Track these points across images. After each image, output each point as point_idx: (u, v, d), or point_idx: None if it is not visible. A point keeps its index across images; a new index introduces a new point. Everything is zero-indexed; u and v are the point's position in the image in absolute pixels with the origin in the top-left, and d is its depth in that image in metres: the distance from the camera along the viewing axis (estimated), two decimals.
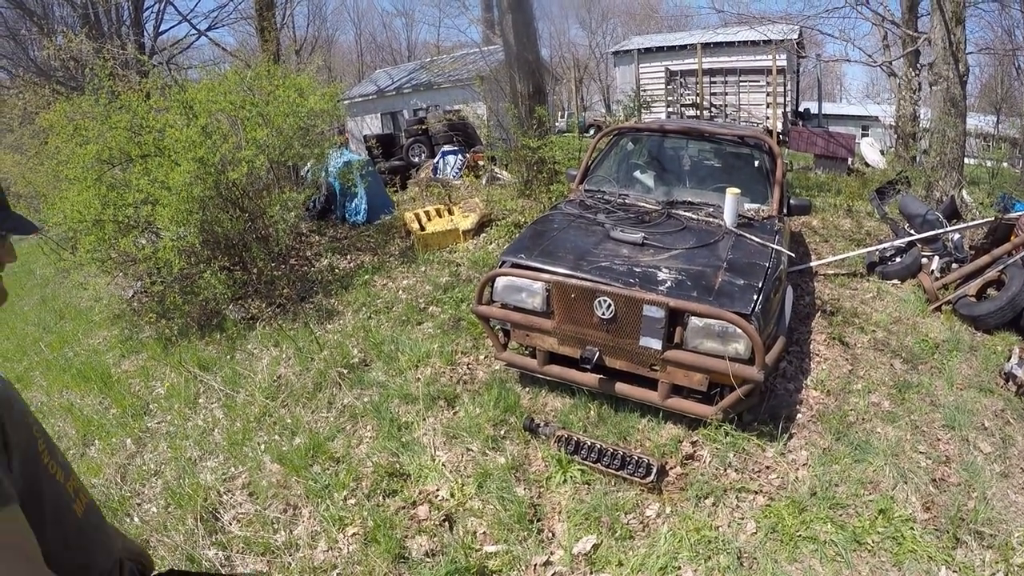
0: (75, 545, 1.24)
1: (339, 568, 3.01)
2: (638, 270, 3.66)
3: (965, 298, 5.05)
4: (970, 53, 10.51)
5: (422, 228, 7.68)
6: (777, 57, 15.09)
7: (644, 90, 17.75)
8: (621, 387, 3.74)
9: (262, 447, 4.01)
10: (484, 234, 7.63)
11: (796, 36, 14.41)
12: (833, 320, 5.03)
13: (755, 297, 3.39)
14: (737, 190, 4.23)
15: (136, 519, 3.60)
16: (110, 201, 5.95)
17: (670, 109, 17.57)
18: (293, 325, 5.77)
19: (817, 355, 4.53)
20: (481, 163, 10.27)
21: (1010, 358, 4.20)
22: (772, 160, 4.85)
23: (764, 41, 13.23)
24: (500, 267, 3.98)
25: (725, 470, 3.43)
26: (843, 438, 3.63)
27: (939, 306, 5.19)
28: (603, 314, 3.52)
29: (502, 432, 3.83)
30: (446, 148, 11.02)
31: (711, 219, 4.28)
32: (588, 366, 3.61)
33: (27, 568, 1.03)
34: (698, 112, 16.72)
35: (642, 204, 4.55)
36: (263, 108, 6.47)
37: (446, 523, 3.19)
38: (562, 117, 18.23)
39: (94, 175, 6.04)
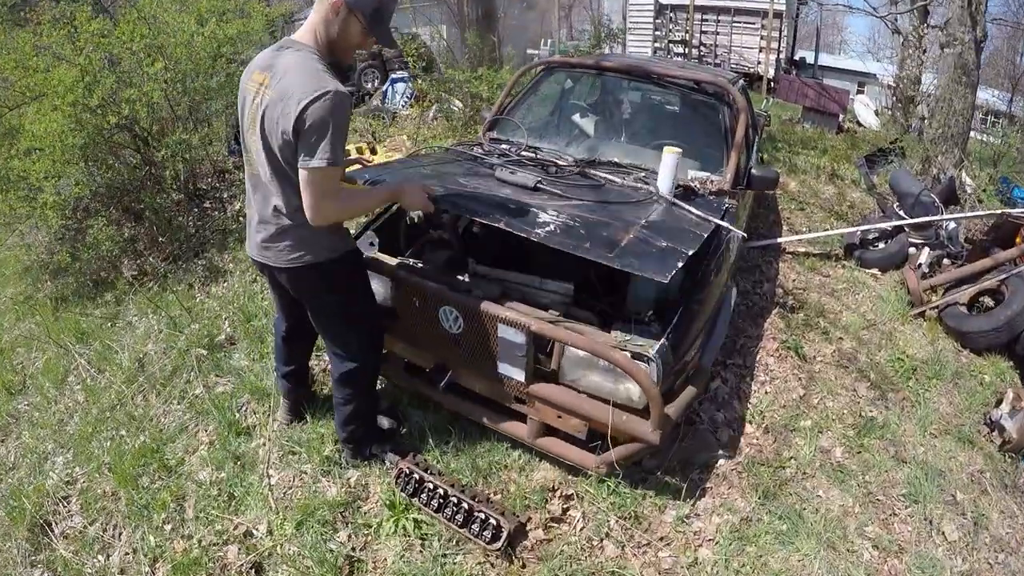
0: None
1: None
2: (512, 206, 2.59)
3: (955, 307, 4.04)
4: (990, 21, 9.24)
5: None
6: (775, 0, 13.57)
7: (631, 22, 16.18)
8: (483, 413, 2.77)
9: (107, 444, 3.47)
10: None
11: None
12: (793, 319, 4.01)
13: (668, 329, 2.35)
14: (677, 149, 3.11)
15: None
16: None
17: (657, 44, 16.01)
18: (179, 287, 4.99)
19: (765, 370, 3.54)
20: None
21: (1000, 403, 3.24)
22: (734, 116, 3.70)
23: None
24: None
25: (601, 541, 2.50)
26: (771, 501, 2.69)
27: (923, 311, 4.17)
28: (450, 327, 2.49)
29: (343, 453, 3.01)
30: (395, 75, 9.66)
31: (642, 184, 3.15)
32: (439, 386, 2.70)
33: None
34: (686, 50, 15.21)
35: (551, 160, 3.39)
36: (153, 39, 5.30)
37: (254, 571, 2.58)
38: (545, 45, 16.55)
39: None
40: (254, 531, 2.78)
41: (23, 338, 5.07)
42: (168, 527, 2.95)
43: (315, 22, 2.06)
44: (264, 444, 3.15)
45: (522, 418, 2.65)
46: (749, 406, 3.21)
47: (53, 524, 3.19)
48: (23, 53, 5.18)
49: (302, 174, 1.97)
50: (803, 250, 5.14)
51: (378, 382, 3.02)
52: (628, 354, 2.18)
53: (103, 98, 4.93)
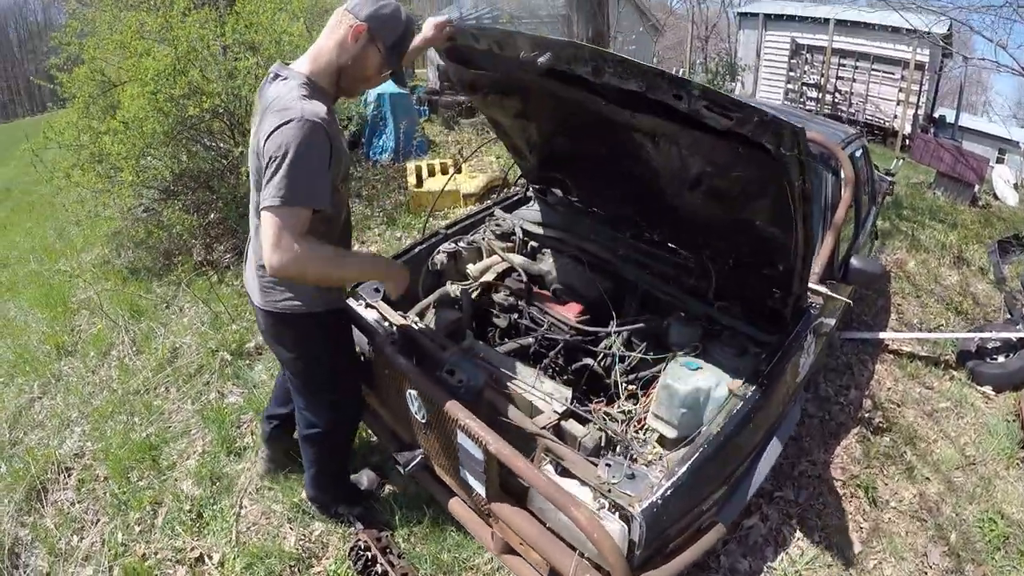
0: None
1: None
2: None
3: None
4: None
5: (419, 184, 6.21)
6: (919, 51, 12.13)
7: (765, 60, 15.08)
8: (454, 507, 2.31)
9: (120, 428, 3.54)
10: (489, 200, 6.06)
11: (945, 31, 11.32)
12: (874, 445, 3.26)
13: (677, 473, 1.78)
14: None
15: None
16: (84, 128, 5.37)
17: (790, 86, 14.80)
18: (235, 281, 4.94)
19: (820, 511, 2.84)
20: None
21: None
22: (839, 188, 3.02)
23: (907, 30, 10.40)
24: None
25: None
26: None
27: None
28: (416, 413, 2.05)
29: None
30: None
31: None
32: (401, 469, 2.29)
33: None
34: (820, 95, 13.94)
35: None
36: (243, 35, 5.21)
37: None
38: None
39: (85, 96, 5.46)
40: (208, 558, 2.69)
41: (88, 301, 5.14)
42: (138, 528, 2.93)
43: (326, 47, 1.80)
44: (248, 470, 3.04)
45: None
46: (784, 557, 2.55)
47: (49, 492, 3.28)
48: (127, 36, 5.23)
49: (262, 214, 1.67)
50: (908, 349, 4.29)
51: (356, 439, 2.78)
52: (605, 504, 1.65)
53: (188, 88, 4.89)
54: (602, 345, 2.50)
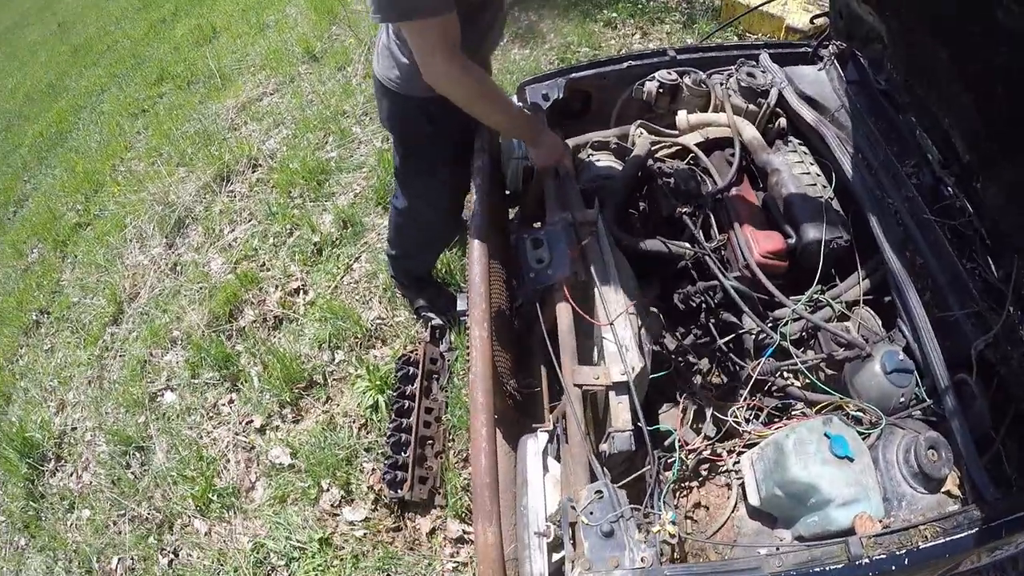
0: None
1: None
2: None
3: None
4: None
5: None
6: None
7: None
8: None
9: (314, 142, 3.67)
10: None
11: None
12: None
13: None
14: None
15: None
16: None
17: None
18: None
19: None
20: None
21: None
22: None
23: None
24: None
25: None
26: None
27: None
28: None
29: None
30: None
31: None
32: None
33: None
34: None
35: None
36: None
37: (275, 322, 2.76)
38: None
39: None
40: (303, 292, 2.84)
41: (353, 17, 4.81)
42: (272, 241, 3.10)
43: None
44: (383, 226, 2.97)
45: None
46: None
47: (231, 181, 3.55)
48: None
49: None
50: None
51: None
52: (549, 531, 1.09)
53: None
54: (773, 317, 1.66)
